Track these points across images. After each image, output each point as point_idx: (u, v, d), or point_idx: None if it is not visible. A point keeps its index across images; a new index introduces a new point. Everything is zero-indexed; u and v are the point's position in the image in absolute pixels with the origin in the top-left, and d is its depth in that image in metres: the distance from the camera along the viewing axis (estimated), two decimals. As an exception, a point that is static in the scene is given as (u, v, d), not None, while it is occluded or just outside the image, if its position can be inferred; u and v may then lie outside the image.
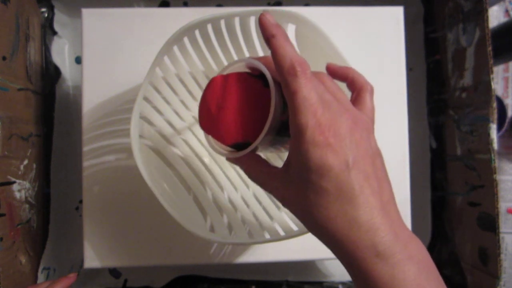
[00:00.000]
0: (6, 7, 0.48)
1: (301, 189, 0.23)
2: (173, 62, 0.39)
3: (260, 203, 0.43)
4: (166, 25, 0.39)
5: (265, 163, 0.26)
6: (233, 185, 0.44)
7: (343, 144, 0.21)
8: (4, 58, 0.47)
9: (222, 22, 0.37)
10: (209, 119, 0.27)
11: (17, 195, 0.49)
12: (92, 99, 0.46)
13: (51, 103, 0.60)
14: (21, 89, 0.52)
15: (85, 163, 0.46)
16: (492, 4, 0.63)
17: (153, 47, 0.34)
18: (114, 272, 0.60)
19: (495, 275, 0.49)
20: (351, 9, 0.49)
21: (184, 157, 0.44)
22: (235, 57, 0.42)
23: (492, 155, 0.48)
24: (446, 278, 0.60)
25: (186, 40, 0.38)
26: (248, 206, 0.43)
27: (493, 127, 0.49)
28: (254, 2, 0.63)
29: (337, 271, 0.61)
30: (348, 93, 0.28)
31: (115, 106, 0.46)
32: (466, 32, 0.54)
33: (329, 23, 0.38)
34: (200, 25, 0.34)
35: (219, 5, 0.63)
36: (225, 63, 0.42)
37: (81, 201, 0.60)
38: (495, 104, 0.49)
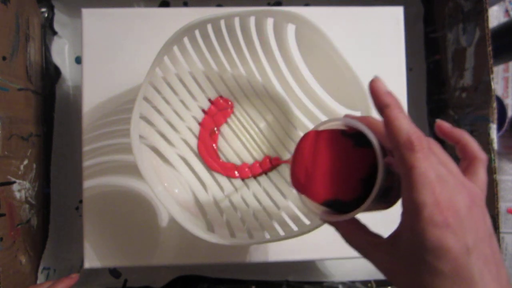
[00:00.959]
0: (6, 7, 0.48)
1: (414, 267, 0.22)
2: (173, 62, 0.39)
3: (260, 203, 0.43)
4: (166, 25, 0.39)
5: (365, 229, 0.26)
6: (233, 185, 0.44)
7: (462, 225, 0.21)
8: (4, 58, 0.47)
9: (222, 22, 0.37)
10: (301, 177, 0.27)
11: (17, 195, 0.50)
12: (92, 99, 0.46)
13: (51, 103, 0.60)
14: (21, 89, 0.52)
15: (85, 163, 0.45)
16: (492, 4, 0.63)
17: (153, 47, 0.34)
18: (114, 272, 0.60)
19: (495, 275, 0.49)
20: (351, 9, 0.49)
21: (184, 157, 0.44)
22: (235, 57, 0.42)
23: (492, 155, 0.48)
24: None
25: (186, 40, 0.38)
26: (248, 206, 0.43)
27: (493, 127, 0.49)
28: (254, 2, 0.63)
29: (337, 271, 0.61)
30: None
31: (115, 106, 0.46)
32: (466, 32, 0.54)
33: (329, 23, 0.38)
34: (200, 25, 0.34)
35: (219, 5, 0.63)
36: (225, 63, 0.42)
37: (81, 201, 0.60)
38: (495, 104, 0.49)
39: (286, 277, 0.60)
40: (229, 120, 0.45)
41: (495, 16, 0.68)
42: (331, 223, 0.26)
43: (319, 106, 0.43)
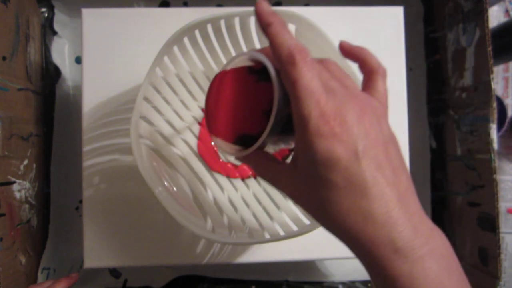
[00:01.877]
0: (6, 7, 0.48)
1: (310, 184, 0.21)
2: (173, 62, 0.39)
3: (260, 203, 0.43)
4: (166, 25, 0.39)
5: (273, 159, 0.25)
6: (233, 185, 0.44)
7: (350, 133, 0.20)
8: (4, 58, 0.47)
9: (222, 22, 0.37)
10: (208, 118, 0.27)
11: (17, 195, 0.50)
12: (92, 99, 0.46)
13: (51, 103, 0.60)
14: (21, 89, 0.52)
15: (85, 163, 0.46)
16: (492, 4, 0.63)
17: (153, 47, 0.34)
18: (114, 272, 0.60)
19: (495, 275, 0.49)
20: (351, 9, 0.49)
21: (184, 157, 0.44)
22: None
23: (492, 155, 0.48)
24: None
25: (186, 40, 0.38)
26: (248, 206, 0.43)
27: (493, 127, 0.49)
28: (254, 2, 0.63)
29: (337, 271, 0.61)
30: (360, 76, 0.27)
31: (115, 106, 0.46)
32: (466, 32, 0.54)
33: (329, 23, 0.38)
34: (200, 25, 0.34)
35: (219, 5, 0.63)
36: (225, 63, 0.42)
37: (81, 201, 0.60)
38: (495, 104, 0.49)
39: (286, 277, 0.60)
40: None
41: (495, 16, 0.68)
42: (242, 159, 0.26)
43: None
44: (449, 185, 0.61)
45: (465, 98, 0.55)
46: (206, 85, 0.44)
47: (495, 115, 0.49)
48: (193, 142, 0.45)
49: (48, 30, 0.61)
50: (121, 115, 0.46)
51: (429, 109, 0.65)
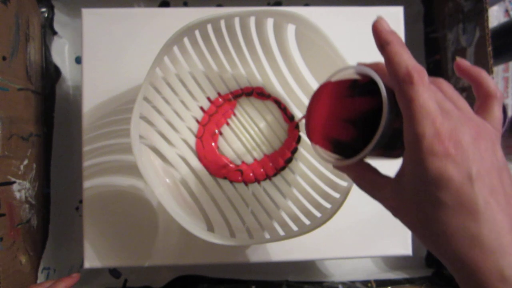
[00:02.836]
0: (6, 7, 0.48)
1: (416, 201, 0.21)
2: (173, 62, 0.39)
3: (260, 203, 0.43)
4: (166, 25, 0.39)
5: (374, 171, 0.25)
6: (233, 185, 0.44)
7: (465, 155, 0.20)
8: (4, 58, 0.47)
9: (222, 22, 0.37)
10: (308, 126, 0.28)
11: (17, 195, 0.49)
12: (92, 99, 0.46)
13: (51, 103, 0.60)
14: (21, 89, 0.52)
15: (85, 163, 0.46)
16: (492, 4, 0.63)
17: (153, 47, 0.34)
18: (114, 272, 0.60)
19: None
20: (351, 9, 0.49)
21: (184, 157, 0.44)
22: (235, 57, 0.42)
23: (492, 155, 0.48)
24: (446, 278, 0.60)
25: (186, 40, 0.38)
26: (248, 206, 0.43)
27: (493, 127, 0.49)
28: (254, 2, 0.63)
29: (337, 271, 0.61)
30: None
31: (115, 106, 0.46)
32: (466, 32, 0.54)
33: (329, 23, 0.38)
34: (200, 25, 0.34)
35: (219, 5, 0.63)
36: (225, 63, 0.42)
37: (81, 201, 0.60)
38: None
39: (286, 277, 0.60)
40: (229, 120, 0.45)
41: (495, 16, 0.68)
42: (342, 168, 0.26)
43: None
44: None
45: (465, 98, 0.55)
46: (206, 85, 0.44)
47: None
48: (193, 142, 0.45)
49: (48, 30, 0.61)
50: (121, 115, 0.46)
51: (429, 109, 0.65)
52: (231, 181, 0.44)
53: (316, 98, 0.28)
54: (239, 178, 0.44)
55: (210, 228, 0.42)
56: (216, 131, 0.45)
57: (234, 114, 0.45)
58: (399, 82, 0.21)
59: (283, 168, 0.44)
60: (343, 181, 0.38)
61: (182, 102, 0.43)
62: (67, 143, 0.60)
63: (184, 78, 0.42)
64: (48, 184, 0.59)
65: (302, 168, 0.44)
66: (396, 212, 0.23)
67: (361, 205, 0.47)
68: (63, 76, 0.60)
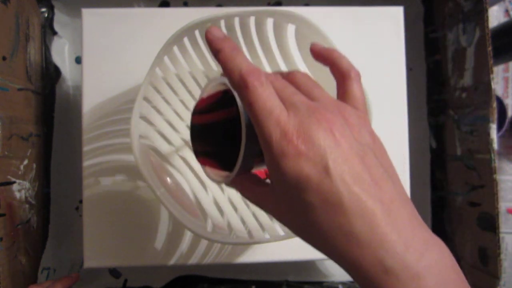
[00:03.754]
0: (6, 7, 0.48)
1: (288, 206, 0.20)
2: (173, 62, 0.39)
3: (260, 203, 0.43)
4: (166, 25, 0.39)
5: (257, 181, 0.24)
6: (233, 185, 0.44)
7: (317, 148, 0.19)
8: (4, 58, 0.47)
9: (222, 22, 0.37)
10: (194, 149, 0.27)
11: (17, 195, 0.49)
12: (92, 99, 0.46)
13: (51, 103, 0.60)
14: (21, 89, 0.52)
15: (85, 163, 0.46)
16: (492, 4, 0.63)
17: (153, 47, 0.34)
18: (114, 272, 0.60)
19: (495, 275, 0.49)
20: (351, 9, 0.49)
21: (184, 157, 0.44)
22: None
23: (492, 155, 0.48)
24: (446, 278, 0.60)
25: (186, 40, 0.38)
26: (248, 206, 0.43)
27: (493, 127, 0.49)
28: (254, 2, 0.63)
29: (337, 271, 0.61)
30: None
31: (115, 106, 0.46)
32: (466, 32, 0.54)
33: (329, 23, 0.38)
34: (200, 25, 0.34)
35: (219, 5, 0.63)
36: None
37: (81, 201, 0.60)
38: (495, 104, 0.49)
39: (286, 277, 0.60)
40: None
41: (495, 16, 0.68)
42: (231, 184, 0.25)
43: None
44: (449, 185, 0.61)
45: (465, 98, 0.55)
46: (206, 85, 0.44)
47: (495, 115, 0.49)
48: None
49: (48, 30, 0.61)
50: (121, 115, 0.46)
51: (429, 109, 0.65)
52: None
53: (196, 119, 0.27)
54: None
55: (210, 228, 0.42)
56: None
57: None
58: (237, 89, 0.21)
59: None
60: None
61: (182, 102, 0.43)
62: (67, 143, 0.60)
63: (184, 78, 0.42)
64: (48, 184, 0.59)
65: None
66: (281, 221, 0.22)
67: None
68: (63, 76, 0.60)
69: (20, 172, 0.50)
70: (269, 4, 0.64)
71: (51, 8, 0.61)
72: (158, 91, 0.40)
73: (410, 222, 0.19)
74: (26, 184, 0.52)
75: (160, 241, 0.46)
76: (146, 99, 0.39)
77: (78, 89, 0.61)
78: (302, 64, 0.41)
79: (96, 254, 0.45)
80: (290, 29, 0.38)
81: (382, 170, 0.20)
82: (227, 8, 0.51)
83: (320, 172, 0.18)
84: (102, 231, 0.45)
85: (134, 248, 0.46)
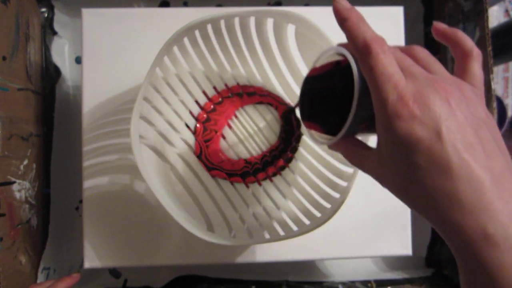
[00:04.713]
0: (6, 7, 0.48)
1: (394, 167, 0.21)
2: (173, 62, 0.39)
3: (260, 203, 0.43)
4: (166, 25, 0.39)
5: (361, 145, 0.25)
6: (233, 185, 0.44)
7: (432, 114, 0.19)
8: (4, 58, 0.47)
9: (222, 22, 0.37)
10: (301, 113, 0.29)
11: (17, 195, 0.50)
12: (92, 99, 0.46)
13: (51, 103, 0.60)
14: (21, 89, 0.52)
15: (85, 163, 0.46)
16: (492, 4, 0.63)
17: (153, 47, 0.34)
18: (114, 272, 0.60)
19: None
20: (351, 9, 0.49)
21: (184, 157, 0.44)
22: (235, 57, 0.42)
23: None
24: (446, 278, 0.60)
25: (186, 40, 0.38)
26: (248, 206, 0.43)
27: (493, 127, 0.49)
28: (254, 2, 0.63)
29: (337, 271, 0.61)
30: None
31: (115, 106, 0.46)
32: (466, 32, 0.54)
33: (329, 23, 0.38)
34: (200, 25, 0.34)
35: (219, 5, 0.63)
36: (225, 63, 0.42)
37: (81, 201, 0.60)
38: (495, 104, 0.49)
39: (286, 277, 0.60)
40: (229, 120, 0.45)
41: (495, 16, 0.68)
42: (334, 147, 0.27)
43: (319, 106, 0.43)
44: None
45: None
46: (206, 85, 0.44)
47: (495, 115, 0.49)
48: (193, 142, 0.45)
49: (48, 30, 0.61)
50: (121, 115, 0.46)
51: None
52: (231, 181, 0.44)
53: (305, 85, 0.29)
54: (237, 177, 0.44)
55: (210, 228, 0.42)
56: (215, 130, 0.45)
57: (235, 115, 0.45)
58: (359, 55, 0.22)
59: (283, 168, 0.45)
60: (343, 181, 0.38)
61: (182, 102, 0.43)
62: (67, 143, 0.60)
63: (184, 78, 0.42)
64: (48, 184, 0.59)
65: (302, 168, 0.44)
66: (382, 181, 0.23)
67: (361, 205, 0.47)
68: (63, 76, 0.60)
69: (20, 172, 0.50)
70: (269, 4, 0.64)
71: (51, 8, 0.61)
72: (158, 91, 0.40)
73: None
74: (26, 184, 0.52)
75: (160, 241, 0.46)
76: (146, 99, 0.39)
77: (78, 89, 0.61)
78: (302, 64, 0.41)
79: (96, 254, 0.45)
80: (290, 29, 0.38)
81: (494, 144, 0.20)
82: (227, 8, 0.51)
83: (432, 136, 0.19)
84: (102, 231, 0.46)
85: (134, 248, 0.46)
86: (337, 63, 0.26)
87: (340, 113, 0.25)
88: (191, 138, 0.45)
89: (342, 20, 0.23)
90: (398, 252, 0.48)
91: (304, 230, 0.36)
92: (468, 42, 0.24)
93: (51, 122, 0.60)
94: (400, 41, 0.49)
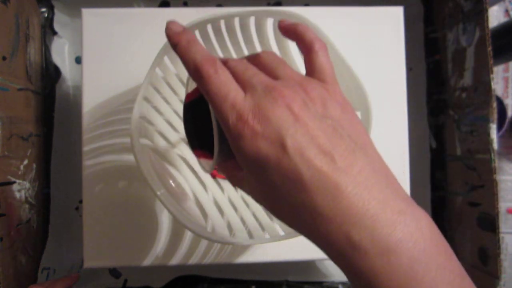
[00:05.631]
0: (6, 7, 0.48)
1: (258, 187, 0.20)
2: (173, 62, 0.39)
3: (260, 203, 0.43)
4: (166, 25, 0.39)
5: (237, 167, 0.24)
6: (233, 185, 0.44)
7: (273, 126, 0.18)
8: (4, 58, 0.47)
9: (222, 22, 0.37)
10: (189, 143, 0.28)
11: (17, 195, 0.50)
12: (92, 99, 0.46)
13: (51, 103, 0.60)
14: (21, 89, 0.52)
15: (85, 163, 0.45)
16: (492, 4, 0.63)
17: (153, 47, 0.34)
18: (114, 272, 0.60)
19: (495, 275, 0.49)
20: (351, 9, 0.49)
21: (184, 157, 0.44)
22: (235, 57, 0.42)
23: (492, 155, 0.48)
24: (446, 278, 0.60)
25: (186, 40, 0.38)
26: (248, 206, 0.43)
27: (493, 127, 0.49)
28: (254, 2, 0.63)
29: (337, 271, 0.61)
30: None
31: (115, 106, 0.46)
32: (466, 32, 0.54)
33: (329, 23, 0.38)
34: (200, 25, 0.34)
35: (219, 5, 0.63)
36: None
37: (81, 201, 0.60)
38: (495, 104, 0.49)
39: (286, 277, 0.60)
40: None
41: (495, 16, 0.68)
42: (220, 172, 0.26)
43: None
44: (449, 185, 0.61)
45: (465, 98, 0.55)
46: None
47: (495, 115, 0.49)
48: (193, 142, 0.45)
49: (48, 30, 0.61)
50: (121, 115, 0.46)
51: (429, 109, 0.65)
52: (231, 181, 0.44)
53: (185, 114, 0.28)
54: None
55: (211, 228, 0.42)
56: None
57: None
58: (195, 80, 0.21)
59: None
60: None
61: (182, 102, 0.43)
62: (67, 143, 0.60)
63: (184, 78, 0.42)
64: (48, 184, 0.59)
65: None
66: (258, 202, 0.22)
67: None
68: (63, 76, 0.60)
69: (20, 172, 0.50)
70: (269, 4, 0.64)
71: (51, 8, 0.61)
72: (158, 91, 0.40)
73: (381, 192, 0.18)
74: (26, 184, 0.52)
75: (160, 241, 0.46)
76: (146, 99, 0.39)
77: (78, 89, 0.61)
78: (302, 64, 0.41)
79: (96, 254, 0.45)
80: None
81: (349, 140, 0.19)
82: (227, 8, 0.51)
83: (278, 149, 0.18)
84: (102, 231, 0.45)
85: (134, 248, 0.46)
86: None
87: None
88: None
89: (174, 46, 0.22)
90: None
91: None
92: (307, 35, 0.23)
93: (51, 122, 0.60)
94: (400, 41, 0.49)
